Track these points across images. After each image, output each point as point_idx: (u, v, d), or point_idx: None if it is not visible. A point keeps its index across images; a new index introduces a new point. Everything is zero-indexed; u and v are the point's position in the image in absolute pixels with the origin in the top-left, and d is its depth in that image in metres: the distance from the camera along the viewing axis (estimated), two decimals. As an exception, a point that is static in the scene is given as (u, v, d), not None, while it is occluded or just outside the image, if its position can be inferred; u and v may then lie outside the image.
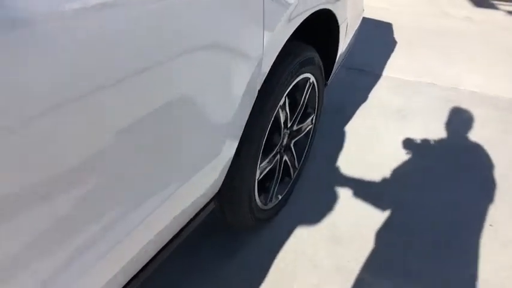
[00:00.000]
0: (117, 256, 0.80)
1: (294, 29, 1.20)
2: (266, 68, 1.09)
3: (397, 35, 3.88)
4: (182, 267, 1.45)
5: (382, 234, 1.62)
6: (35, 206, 0.56)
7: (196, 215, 1.17)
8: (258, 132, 1.20)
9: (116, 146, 0.67)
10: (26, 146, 0.52)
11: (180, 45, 0.75)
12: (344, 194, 1.82)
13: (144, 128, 0.72)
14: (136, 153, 0.73)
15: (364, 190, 1.85)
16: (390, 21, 4.27)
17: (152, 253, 0.97)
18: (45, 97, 0.53)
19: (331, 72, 1.82)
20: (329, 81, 1.85)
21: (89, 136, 0.62)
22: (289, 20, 1.14)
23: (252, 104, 1.08)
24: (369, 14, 4.35)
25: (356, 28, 2.07)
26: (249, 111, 1.08)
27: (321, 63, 1.58)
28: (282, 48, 1.18)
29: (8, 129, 0.49)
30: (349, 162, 2.03)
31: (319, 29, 1.63)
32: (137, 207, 0.79)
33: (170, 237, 1.04)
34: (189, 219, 1.11)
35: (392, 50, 3.51)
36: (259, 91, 1.10)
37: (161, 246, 1.01)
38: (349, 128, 2.32)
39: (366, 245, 1.57)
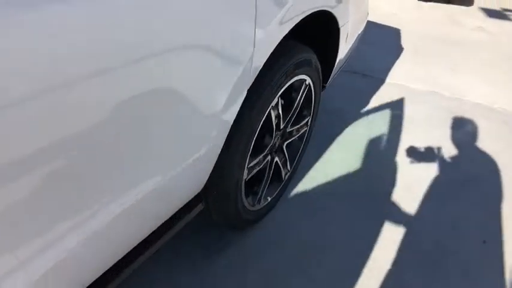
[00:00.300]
0: (97, 244, 0.79)
1: (290, 28, 1.17)
2: (257, 65, 1.06)
3: (404, 42, 3.84)
4: (167, 267, 1.43)
5: (375, 246, 1.59)
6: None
7: (184, 214, 1.16)
8: (247, 130, 1.18)
9: (103, 135, 0.68)
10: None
11: (169, 35, 0.74)
12: (336, 200, 1.79)
13: (132, 118, 0.72)
14: (123, 142, 0.74)
15: (358, 198, 1.82)
16: (398, 27, 4.23)
17: (132, 244, 0.96)
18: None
19: (330, 75, 1.79)
20: (327, 85, 1.82)
21: (75, 122, 0.62)
22: (284, 18, 1.11)
23: (241, 100, 1.05)
24: (377, 19, 4.31)
25: (359, 32, 2.04)
26: (237, 108, 1.05)
27: (318, 66, 1.55)
28: (278, 47, 1.15)
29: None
30: (344, 168, 2.00)
31: (319, 31, 1.60)
32: (120, 195, 0.79)
33: (152, 229, 1.02)
34: (173, 212, 1.09)
35: (397, 57, 3.46)
36: (250, 89, 1.07)
37: (142, 238, 1.00)
38: (348, 134, 2.29)
39: (357, 255, 1.54)
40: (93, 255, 0.82)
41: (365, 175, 1.96)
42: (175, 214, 1.15)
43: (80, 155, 0.65)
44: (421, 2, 5.45)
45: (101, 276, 0.90)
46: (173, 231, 1.13)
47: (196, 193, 1.15)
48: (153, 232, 1.06)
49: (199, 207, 1.25)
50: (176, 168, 0.93)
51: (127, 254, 0.98)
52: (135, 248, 1.01)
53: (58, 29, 0.55)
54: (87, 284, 0.86)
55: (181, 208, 1.17)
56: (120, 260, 0.95)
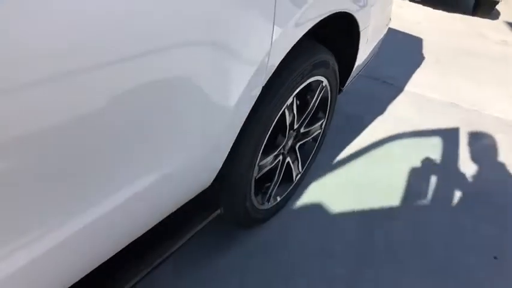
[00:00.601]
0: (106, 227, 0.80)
1: (309, 28, 1.17)
2: (273, 63, 1.06)
3: (426, 51, 3.79)
4: (169, 266, 1.42)
5: (382, 252, 1.57)
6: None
7: (200, 219, 1.21)
8: (260, 128, 1.18)
9: (120, 118, 0.69)
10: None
11: (188, 29, 0.74)
12: (344, 207, 1.77)
13: (146, 107, 0.73)
14: (138, 130, 0.75)
15: (367, 205, 1.80)
16: (422, 36, 4.17)
17: (135, 235, 0.97)
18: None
19: (348, 79, 1.78)
20: (344, 88, 1.81)
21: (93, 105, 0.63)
22: (303, 17, 1.11)
23: (255, 97, 1.05)
24: (400, 26, 4.27)
25: (380, 38, 2.02)
26: (251, 105, 1.05)
27: (336, 68, 1.54)
28: (295, 46, 1.15)
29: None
30: (356, 174, 1.98)
31: (339, 33, 1.60)
32: (132, 182, 0.80)
33: (156, 221, 1.02)
34: (179, 205, 1.10)
35: (418, 66, 3.42)
36: (265, 87, 1.07)
37: (146, 229, 1.00)
38: (362, 139, 2.27)
39: (360, 261, 1.52)
40: (98, 242, 0.83)
41: (376, 183, 1.94)
42: (192, 219, 1.19)
43: (93, 138, 0.66)
44: (437, 10, 5.37)
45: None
46: (187, 236, 1.16)
47: (204, 187, 1.16)
48: (169, 237, 1.10)
49: (216, 213, 1.29)
50: (186, 160, 0.93)
51: (142, 259, 1.02)
52: (149, 252, 1.04)
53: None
54: (88, 271, 0.87)
55: (198, 214, 1.23)
56: (135, 265, 0.99)
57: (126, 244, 0.94)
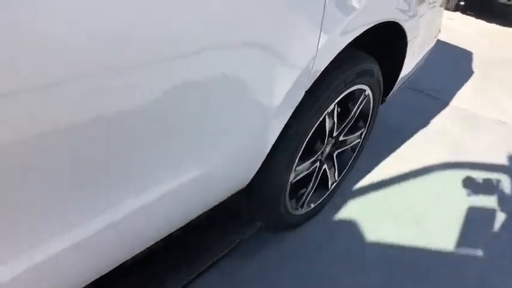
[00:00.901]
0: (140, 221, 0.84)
1: (356, 35, 1.16)
2: (317, 68, 1.06)
3: (475, 65, 3.64)
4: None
5: (416, 273, 1.53)
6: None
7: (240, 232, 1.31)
8: (299, 132, 1.18)
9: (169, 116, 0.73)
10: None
11: (238, 29, 0.77)
12: (380, 219, 1.74)
13: (193, 105, 0.76)
14: (188, 124, 0.79)
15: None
16: (471, 50, 4.02)
17: (169, 230, 1.00)
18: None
19: (392, 89, 1.74)
20: (387, 99, 1.78)
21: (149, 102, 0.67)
22: (351, 25, 1.11)
23: (298, 101, 1.06)
24: (449, 38, 4.13)
25: (428, 49, 1.97)
26: (293, 108, 1.06)
27: (380, 78, 1.52)
28: (340, 53, 1.15)
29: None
30: (391, 188, 1.93)
31: (386, 42, 1.57)
32: (170, 178, 0.83)
33: (191, 218, 1.05)
34: (216, 202, 1.12)
35: (466, 80, 3.29)
36: (308, 91, 1.08)
37: (181, 225, 1.03)
38: (401, 153, 2.21)
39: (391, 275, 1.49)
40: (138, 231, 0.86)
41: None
42: (232, 230, 1.28)
43: (146, 131, 0.70)
44: (491, 24, 5.14)
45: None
46: (229, 248, 1.24)
47: (241, 187, 1.18)
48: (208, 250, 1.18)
49: (255, 226, 1.35)
50: (228, 157, 0.96)
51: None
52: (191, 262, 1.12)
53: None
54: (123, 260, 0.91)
55: (237, 226, 1.31)
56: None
57: (172, 231, 0.99)
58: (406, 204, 1.83)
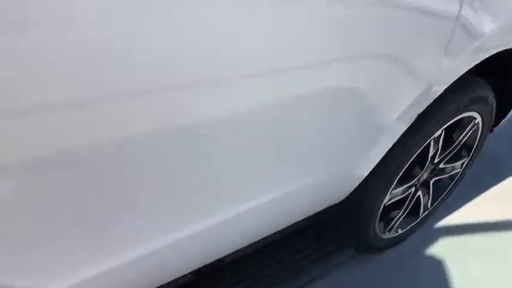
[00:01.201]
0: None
1: (478, 61, 1.10)
2: (434, 95, 1.03)
3: None
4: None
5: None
6: None
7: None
8: (404, 154, 1.15)
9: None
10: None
11: (370, 39, 0.77)
12: (464, 254, 1.60)
13: (303, 117, 0.78)
14: (304, 133, 0.81)
15: (487, 253, 1.60)
16: None
17: (262, 234, 1.03)
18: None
19: (503, 118, 1.61)
20: (496, 128, 1.64)
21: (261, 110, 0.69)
22: (476, 50, 1.05)
23: (409, 123, 1.03)
24: None
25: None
26: (404, 129, 1.03)
27: (494, 106, 1.41)
28: (457, 79, 1.09)
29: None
30: (484, 227, 1.77)
31: (502, 67, 1.46)
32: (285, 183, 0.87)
33: (281, 227, 1.08)
34: (313, 212, 1.14)
35: None
36: (419, 115, 1.04)
37: (274, 231, 1.06)
38: (499, 189, 2.02)
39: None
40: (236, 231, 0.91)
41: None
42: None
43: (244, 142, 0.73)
44: None
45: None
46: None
47: (337, 201, 1.17)
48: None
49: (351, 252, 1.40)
50: (333, 169, 0.96)
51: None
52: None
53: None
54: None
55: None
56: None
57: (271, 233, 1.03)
58: (499, 250, 1.67)
